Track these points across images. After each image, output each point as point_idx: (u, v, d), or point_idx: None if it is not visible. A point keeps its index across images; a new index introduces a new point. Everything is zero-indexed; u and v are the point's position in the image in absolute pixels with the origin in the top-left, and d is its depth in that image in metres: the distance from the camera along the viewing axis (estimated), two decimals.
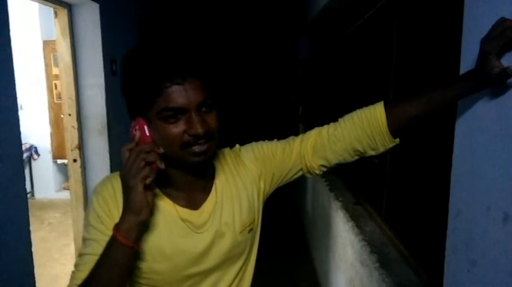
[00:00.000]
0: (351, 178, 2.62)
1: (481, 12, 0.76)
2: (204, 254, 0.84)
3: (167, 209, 0.83)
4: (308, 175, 0.97)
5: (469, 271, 0.78)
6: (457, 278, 0.83)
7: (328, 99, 3.52)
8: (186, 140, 0.74)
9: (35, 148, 4.85)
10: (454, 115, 0.86)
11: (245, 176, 0.93)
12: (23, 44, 4.45)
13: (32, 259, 1.86)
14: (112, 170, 2.86)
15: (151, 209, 0.75)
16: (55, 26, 2.72)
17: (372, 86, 2.18)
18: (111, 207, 0.80)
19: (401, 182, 1.71)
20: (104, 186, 0.82)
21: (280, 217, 4.01)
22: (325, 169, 0.95)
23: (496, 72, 0.68)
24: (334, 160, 0.92)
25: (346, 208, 2.22)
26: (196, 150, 0.76)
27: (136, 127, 0.76)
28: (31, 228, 1.84)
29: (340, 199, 2.42)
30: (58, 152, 4.81)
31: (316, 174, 0.96)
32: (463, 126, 0.84)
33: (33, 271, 1.87)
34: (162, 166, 0.72)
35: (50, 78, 4.69)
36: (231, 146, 0.99)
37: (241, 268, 0.91)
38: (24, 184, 1.80)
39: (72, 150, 2.81)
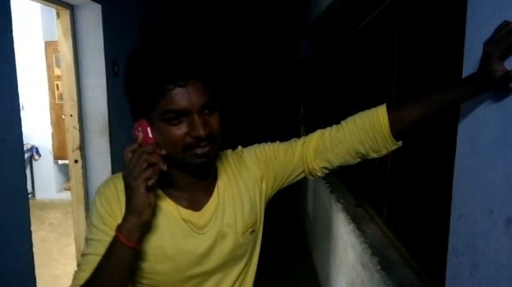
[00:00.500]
0: (352, 180, 2.61)
1: (484, 15, 0.76)
2: (205, 255, 0.84)
3: (169, 210, 0.83)
4: (310, 177, 0.97)
5: (471, 274, 0.77)
6: (459, 281, 0.83)
7: (329, 101, 3.52)
8: (188, 142, 0.75)
9: (36, 148, 4.86)
10: (456, 118, 0.86)
11: (247, 178, 0.93)
12: (25, 45, 4.46)
13: (33, 259, 1.86)
14: (113, 171, 2.86)
15: (154, 210, 0.75)
16: (57, 27, 2.73)
17: (373, 88, 2.18)
18: (113, 207, 0.80)
19: (402, 184, 1.71)
20: (107, 187, 0.83)
21: (281, 218, 4.01)
22: (327, 171, 0.95)
23: (498, 75, 0.68)
24: (336, 162, 0.92)
25: (347, 210, 2.22)
26: (199, 152, 0.76)
27: (139, 128, 0.76)
28: (32, 228, 1.85)
29: (341, 201, 2.42)
30: (59, 153, 4.82)
31: (318, 176, 0.96)
32: (465, 129, 0.83)
33: (33, 271, 1.88)
34: (164, 167, 0.73)
35: (52, 79, 4.69)
36: (232, 147, 0.99)
37: (243, 269, 0.91)
38: (25, 184, 1.80)
39: (73, 151, 2.81)
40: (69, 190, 3.17)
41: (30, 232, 1.83)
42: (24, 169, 1.83)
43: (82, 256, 0.79)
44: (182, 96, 0.72)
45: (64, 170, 4.97)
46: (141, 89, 0.74)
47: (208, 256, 0.85)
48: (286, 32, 5.28)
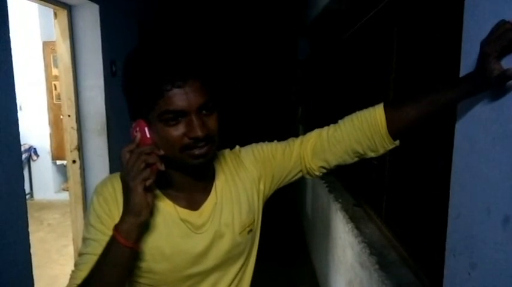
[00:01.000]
0: (351, 180, 2.62)
1: (482, 14, 0.76)
2: (203, 255, 0.84)
3: (167, 209, 0.83)
4: (308, 177, 0.97)
5: (469, 274, 0.77)
6: (457, 281, 0.83)
7: (327, 101, 3.52)
8: (186, 142, 0.75)
9: (34, 148, 4.85)
10: (453, 117, 0.86)
11: (245, 178, 0.93)
12: (22, 45, 4.45)
13: (31, 259, 1.86)
14: (111, 171, 2.85)
15: (151, 210, 0.75)
16: (55, 27, 2.72)
17: (371, 88, 2.18)
18: (111, 207, 0.80)
19: (401, 183, 1.71)
20: (105, 186, 0.83)
21: (279, 218, 4.01)
22: (324, 171, 0.95)
23: (496, 74, 0.68)
24: (333, 161, 0.92)
25: (345, 210, 2.22)
26: (196, 153, 0.76)
27: (137, 129, 0.76)
28: (30, 229, 1.84)
29: (340, 200, 2.42)
30: (57, 153, 4.80)
31: (316, 175, 0.96)
32: (462, 128, 0.84)
33: (32, 271, 1.87)
34: (162, 167, 0.73)
35: (50, 79, 4.68)
36: (231, 147, 0.99)
37: (240, 269, 0.92)
38: (23, 185, 1.79)
39: (71, 151, 2.80)
40: (68, 190, 3.17)
41: (28, 233, 1.82)
42: (22, 169, 1.82)
43: (79, 255, 0.79)
44: (180, 97, 0.72)
45: (62, 170, 4.96)
46: (139, 89, 0.74)
47: (206, 256, 0.85)
48: (285, 32, 5.28)
